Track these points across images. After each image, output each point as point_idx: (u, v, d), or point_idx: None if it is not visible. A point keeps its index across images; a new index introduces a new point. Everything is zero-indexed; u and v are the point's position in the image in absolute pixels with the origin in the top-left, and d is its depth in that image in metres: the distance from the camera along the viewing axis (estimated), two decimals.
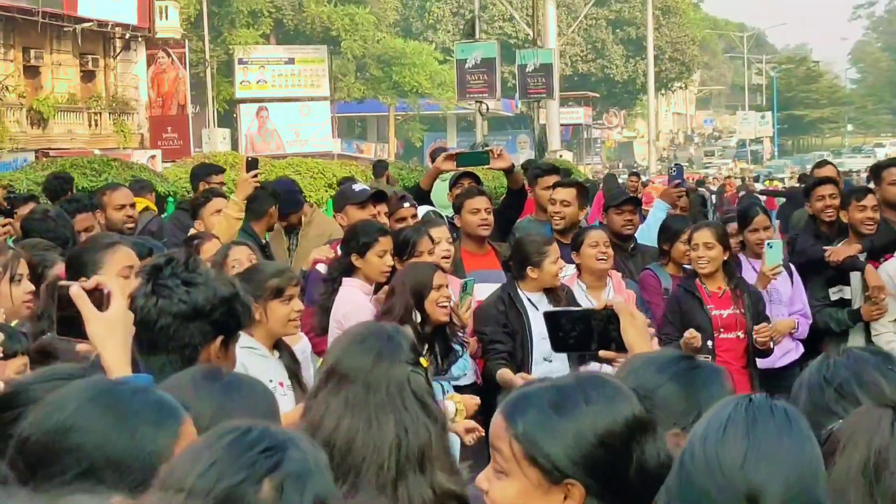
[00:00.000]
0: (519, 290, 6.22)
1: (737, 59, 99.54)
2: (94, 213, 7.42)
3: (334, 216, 7.33)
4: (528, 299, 6.19)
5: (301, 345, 5.18)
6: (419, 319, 5.26)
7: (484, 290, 6.31)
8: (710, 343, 6.47)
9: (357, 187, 7.12)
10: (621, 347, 3.00)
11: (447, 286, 5.36)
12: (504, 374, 5.93)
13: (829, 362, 2.58)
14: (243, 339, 4.51)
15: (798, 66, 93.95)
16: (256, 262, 5.15)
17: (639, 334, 3.01)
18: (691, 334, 6.21)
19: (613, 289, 6.59)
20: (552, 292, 6.21)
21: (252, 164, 6.72)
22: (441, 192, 8.43)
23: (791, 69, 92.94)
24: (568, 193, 7.38)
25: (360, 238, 5.81)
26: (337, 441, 2.69)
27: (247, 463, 1.75)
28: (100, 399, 2.09)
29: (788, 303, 7.21)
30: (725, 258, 6.64)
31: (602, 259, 6.52)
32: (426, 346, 5.21)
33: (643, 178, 27.44)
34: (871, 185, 8.08)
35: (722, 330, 6.53)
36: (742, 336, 6.54)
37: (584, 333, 3.05)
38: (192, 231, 6.87)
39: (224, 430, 1.82)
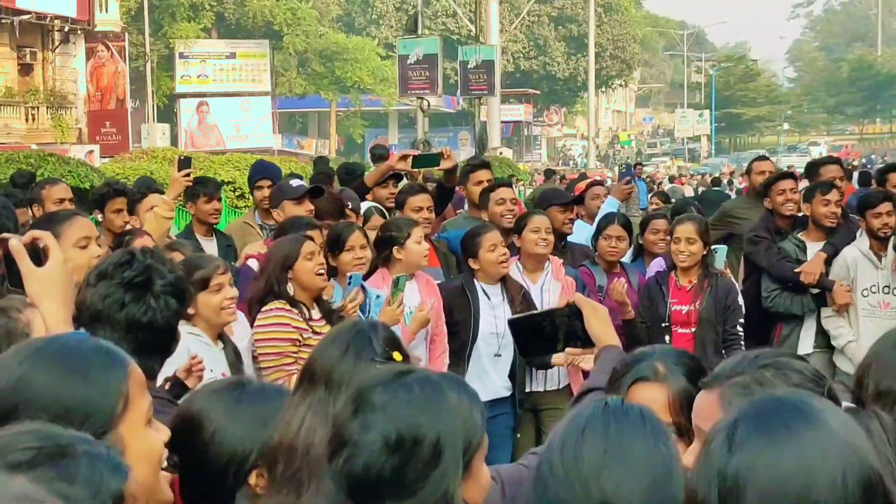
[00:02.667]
0: (475, 280, 6.36)
1: (677, 57, 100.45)
2: (31, 208, 7.43)
3: (271, 212, 7.37)
4: (483, 290, 6.35)
5: (241, 333, 5.26)
6: (292, 290, 5.27)
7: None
8: (667, 338, 6.65)
9: (294, 183, 7.14)
10: (587, 342, 3.04)
11: (320, 253, 5.38)
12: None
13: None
14: (187, 326, 4.63)
15: (737, 65, 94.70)
16: (184, 258, 5.21)
17: (603, 325, 3.05)
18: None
19: (552, 273, 6.72)
20: (505, 284, 6.36)
21: (184, 162, 6.72)
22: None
23: (730, 68, 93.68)
24: (510, 192, 7.54)
25: (290, 233, 5.81)
26: (298, 443, 2.68)
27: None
28: (46, 351, 2.06)
29: None
30: (704, 253, 6.80)
31: (541, 245, 6.64)
32: (308, 312, 5.28)
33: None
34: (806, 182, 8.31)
35: (679, 325, 6.71)
36: (694, 331, 6.71)
37: (548, 334, 3.06)
38: (129, 227, 6.91)
39: None
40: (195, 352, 4.53)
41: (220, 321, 4.82)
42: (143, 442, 2.07)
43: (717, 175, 33.63)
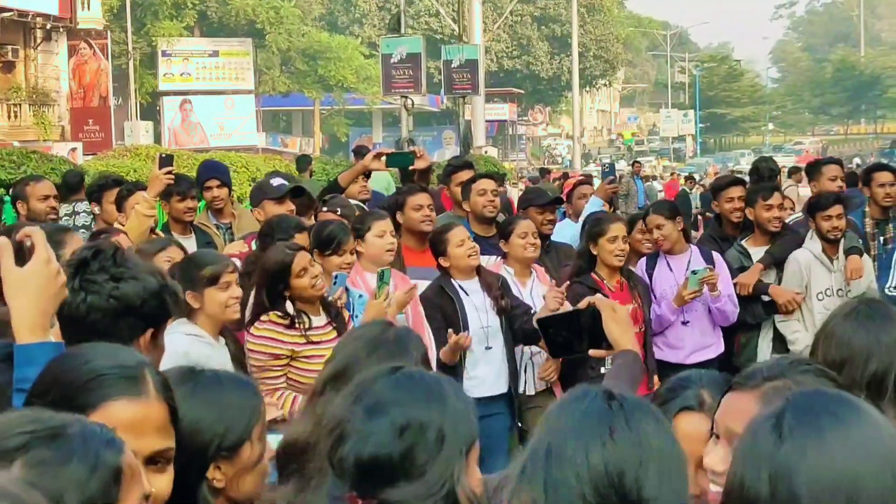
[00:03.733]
0: (451, 278, 6.34)
1: (660, 58, 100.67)
2: (15, 205, 7.41)
3: (251, 210, 7.33)
4: (460, 286, 6.33)
5: None
6: (287, 303, 5.26)
7: (423, 288, 6.37)
8: None
9: (275, 182, 7.08)
10: (607, 344, 3.00)
11: (312, 264, 5.35)
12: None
13: None
14: (188, 327, 4.65)
15: (720, 65, 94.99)
16: (192, 253, 5.22)
17: (621, 329, 3.00)
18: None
19: (538, 279, 6.77)
20: (482, 278, 6.35)
21: (165, 160, 6.67)
22: (380, 181, 8.59)
23: (713, 68, 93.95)
24: (491, 183, 7.54)
25: (277, 234, 5.82)
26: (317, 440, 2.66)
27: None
28: None
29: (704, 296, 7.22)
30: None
31: (530, 249, 6.69)
32: (309, 321, 5.26)
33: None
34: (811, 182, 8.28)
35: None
36: (641, 329, 6.69)
37: (574, 335, 3.04)
38: (115, 224, 6.88)
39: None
40: (196, 354, 4.50)
41: (224, 318, 4.85)
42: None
43: (701, 175, 33.70)
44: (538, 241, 6.77)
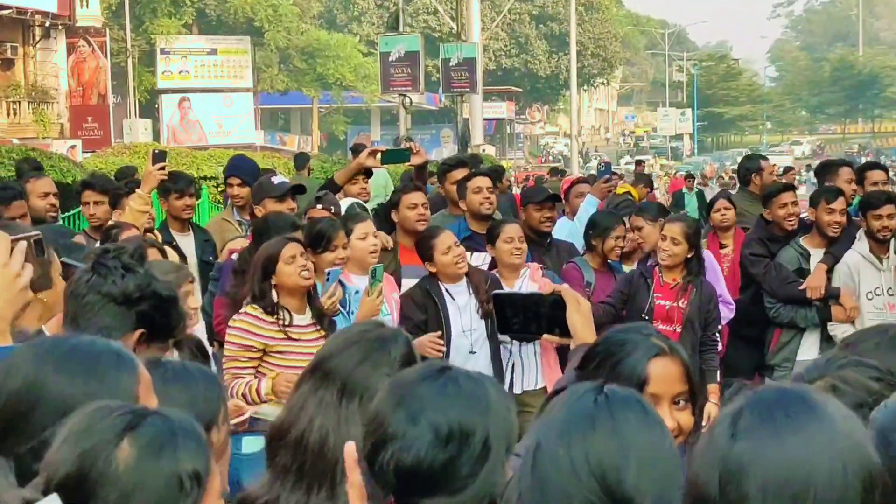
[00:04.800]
0: (438, 281, 6.27)
1: (658, 56, 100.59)
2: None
3: (246, 208, 7.37)
4: (447, 290, 6.27)
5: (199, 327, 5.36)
6: (275, 295, 5.31)
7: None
8: None
9: (276, 180, 7.07)
10: (565, 332, 3.03)
11: (303, 255, 5.38)
12: None
13: None
14: None
15: (718, 64, 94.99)
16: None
17: (583, 320, 3.04)
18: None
19: (529, 278, 6.66)
20: (470, 279, 6.29)
21: (159, 156, 6.71)
22: (377, 179, 8.56)
23: (711, 66, 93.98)
24: (487, 181, 7.52)
25: (272, 232, 5.82)
26: (310, 440, 2.70)
27: (104, 425, 1.77)
28: (57, 352, 2.05)
29: None
30: (689, 255, 6.75)
31: (516, 254, 6.58)
32: (289, 317, 5.30)
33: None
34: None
35: (660, 321, 6.63)
36: (678, 330, 6.62)
37: (530, 317, 3.07)
38: (111, 221, 6.92)
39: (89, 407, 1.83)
40: None
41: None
42: None
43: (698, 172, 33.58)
44: (524, 246, 6.66)
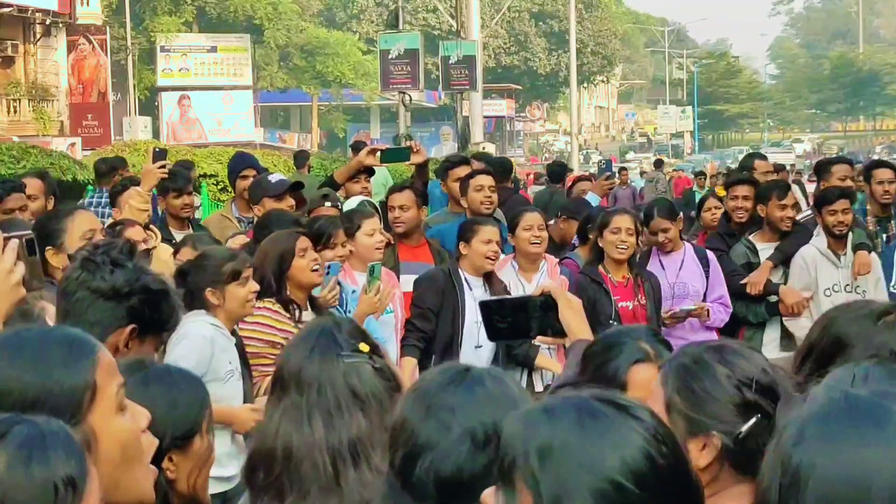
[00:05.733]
0: (459, 269, 6.26)
1: (658, 54, 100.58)
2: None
3: (251, 207, 7.39)
4: (466, 280, 6.25)
5: None
6: (287, 289, 5.31)
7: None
8: None
9: (274, 178, 7.09)
10: (559, 332, 3.02)
11: (312, 249, 5.40)
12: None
13: None
14: (210, 318, 4.72)
15: (718, 62, 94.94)
16: (205, 249, 5.28)
17: (577, 318, 3.02)
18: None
19: (547, 273, 6.61)
20: (489, 278, 6.27)
21: (159, 154, 6.73)
22: (377, 177, 8.58)
23: (711, 64, 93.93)
24: (489, 179, 7.53)
25: (273, 229, 5.80)
26: (277, 449, 2.70)
27: None
28: (8, 343, 1.99)
29: (696, 296, 7.10)
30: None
31: (535, 243, 6.54)
32: (299, 312, 5.29)
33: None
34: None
35: (627, 322, 6.44)
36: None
37: (520, 321, 3.03)
38: (110, 219, 6.93)
39: None
40: (219, 342, 4.70)
41: (243, 313, 4.92)
42: (116, 430, 1.97)
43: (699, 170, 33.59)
44: (545, 234, 6.63)
